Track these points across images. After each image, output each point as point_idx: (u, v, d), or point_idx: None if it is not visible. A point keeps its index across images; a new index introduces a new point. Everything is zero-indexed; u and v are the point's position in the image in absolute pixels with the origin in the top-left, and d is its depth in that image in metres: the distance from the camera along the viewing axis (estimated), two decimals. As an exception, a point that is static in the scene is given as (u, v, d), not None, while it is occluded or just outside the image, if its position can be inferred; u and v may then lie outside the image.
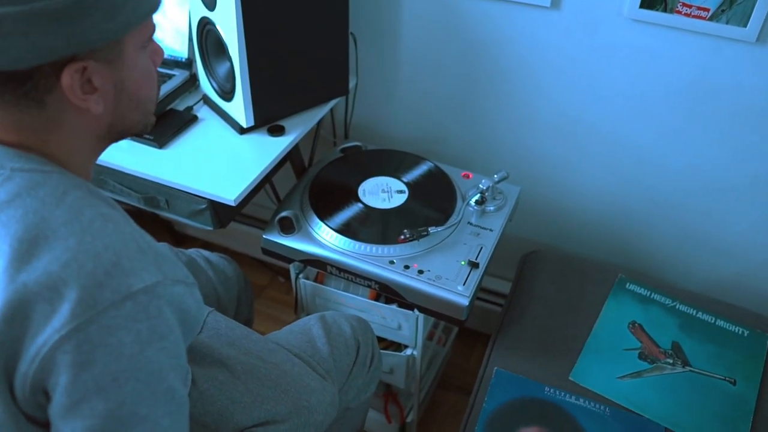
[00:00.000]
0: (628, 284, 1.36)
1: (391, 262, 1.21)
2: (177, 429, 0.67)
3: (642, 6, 1.19)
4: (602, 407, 1.14)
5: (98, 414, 0.60)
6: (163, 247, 0.71)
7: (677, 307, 1.31)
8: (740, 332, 1.27)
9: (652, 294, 1.34)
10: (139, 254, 0.64)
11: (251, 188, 1.19)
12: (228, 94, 1.27)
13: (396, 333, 1.35)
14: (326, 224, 1.26)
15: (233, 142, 1.28)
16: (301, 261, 1.28)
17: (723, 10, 1.14)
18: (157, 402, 0.64)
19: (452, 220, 1.29)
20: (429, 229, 1.23)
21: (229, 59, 1.20)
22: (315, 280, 1.40)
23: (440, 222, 1.27)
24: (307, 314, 1.26)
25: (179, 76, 1.38)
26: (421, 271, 1.19)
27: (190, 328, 0.70)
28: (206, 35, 1.26)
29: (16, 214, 0.63)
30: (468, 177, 1.41)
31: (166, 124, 1.29)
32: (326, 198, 1.33)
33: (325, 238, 1.26)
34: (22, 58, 0.62)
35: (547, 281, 1.38)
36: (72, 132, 0.71)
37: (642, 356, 1.22)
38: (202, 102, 1.38)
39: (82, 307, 0.60)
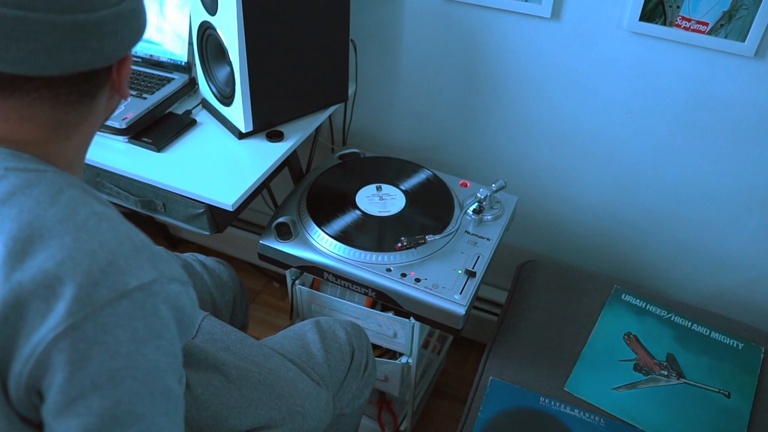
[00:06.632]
0: (623, 295, 1.36)
1: (388, 270, 1.21)
2: (173, 428, 0.66)
3: (642, 19, 1.20)
4: (597, 418, 1.14)
5: (94, 412, 0.60)
6: (160, 249, 0.71)
7: (672, 318, 1.31)
8: (735, 345, 1.27)
9: (648, 305, 1.34)
10: (135, 252, 0.64)
11: (249, 193, 1.19)
12: (227, 99, 1.27)
13: (391, 341, 1.35)
14: (323, 231, 1.26)
15: (232, 147, 1.28)
16: (297, 267, 1.28)
17: (722, 25, 1.15)
18: (154, 401, 0.63)
19: (449, 228, 1.29)
20: (426, 237, 1.23)
21: (229, 64, 1.20)
22: (311, 287, 1.40)
23: (437, 230, 1.27)
24: (303, 320, 1.26)
25: (178, 79, 1.38)
26: (417, 280, 1.19)
27: (185, 327, 0.69)
28: (207, 39, 1.26)
29: (10, 213, 0.62)
30: (466, 186, 1.41)
31: (164, 128, 1.29)
32: (324, 204, 1.33)
33: (322, 245, 1.26)
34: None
35: (543, 291, 1.38)
36: (92, 123, 0.73)
37: (637, 368, 1.22)
38: (201, 106, 1.38)
39: (78, 304, 0.59)
